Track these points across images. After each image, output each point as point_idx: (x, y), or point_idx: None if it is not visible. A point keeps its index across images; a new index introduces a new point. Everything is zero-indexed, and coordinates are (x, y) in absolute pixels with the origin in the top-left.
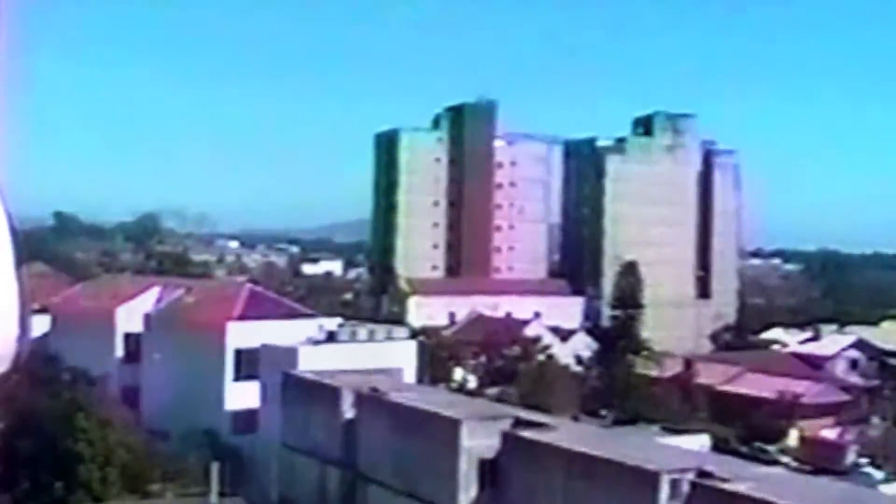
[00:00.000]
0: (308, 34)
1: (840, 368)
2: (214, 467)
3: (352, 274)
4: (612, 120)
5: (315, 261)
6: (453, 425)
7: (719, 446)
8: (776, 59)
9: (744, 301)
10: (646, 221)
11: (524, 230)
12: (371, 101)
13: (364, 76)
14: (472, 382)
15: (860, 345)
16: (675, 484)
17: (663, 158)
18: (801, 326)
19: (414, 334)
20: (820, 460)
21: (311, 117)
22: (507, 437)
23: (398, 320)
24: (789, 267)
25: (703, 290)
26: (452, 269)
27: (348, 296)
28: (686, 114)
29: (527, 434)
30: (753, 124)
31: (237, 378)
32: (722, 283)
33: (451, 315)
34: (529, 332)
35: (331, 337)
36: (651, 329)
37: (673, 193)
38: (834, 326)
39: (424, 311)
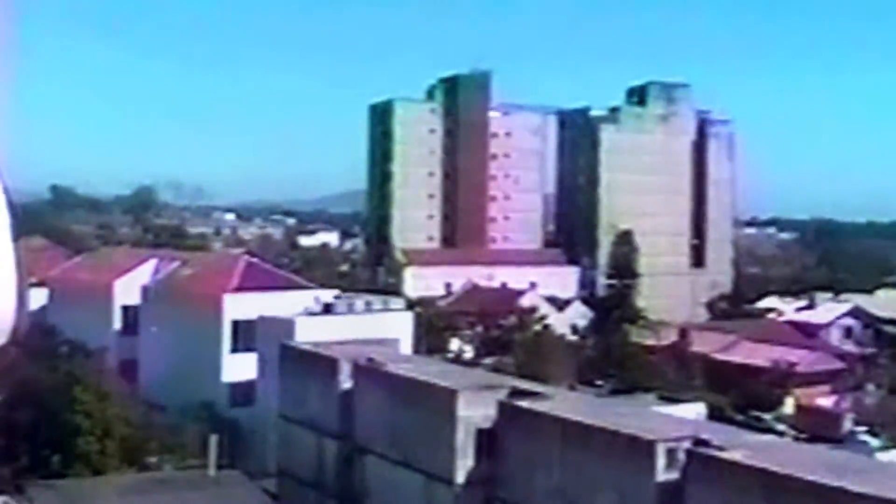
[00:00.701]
0: (300, 6)
1: (835, 336)
2: (212, 439)
3: (348, 245)
4: (607, 89)
5: (311, 233)
6: (450, 395)
7: (715, 415)
8: (771, 29)
9: (739, 270)
10: (640, 191)
11: (519, 200)
12: (365, 72)
13: (357, 48)
14: (469, 353)
15: (855, 313)
16: (671, 452)
17: (657, 128)
18: (796, 295)
19: (410, 305)
20: (816, 428)
21: (304, 90)
22: (503, 407)
23: (394, 291)
24: (784, 236)
25: (698, 260)
26: (448, 240)
27: (345, 267)
28: (680, 83)
29: (523, 404)
30: (748, 93)
31: (234, 350)
32: (717, 252)
33: (447, 285)
34: (525, 301)
35: (327, 308)
36: (646, 298)
37: (667, 163)
38: (829, 295)
39: (420, 282)
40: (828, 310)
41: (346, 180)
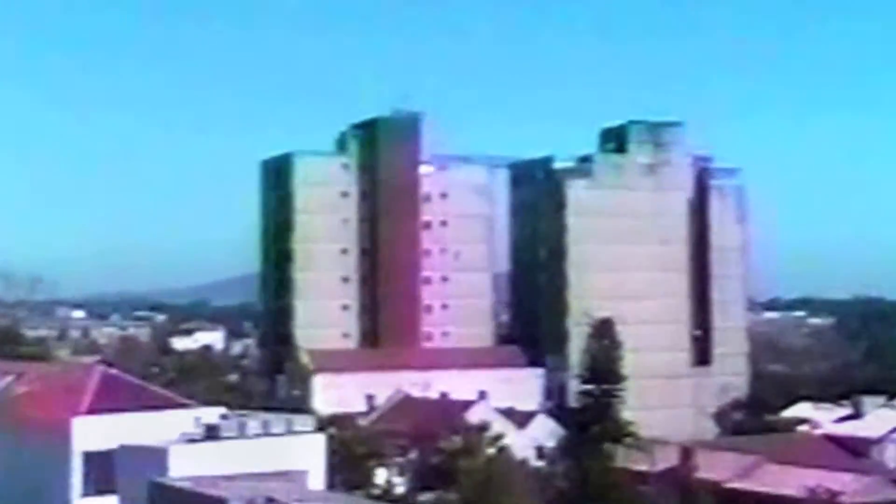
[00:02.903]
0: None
1: (890, 455)
2: None
3: (237, 347)
4: (574, 134)
5: (188, 332)
6: None
7: None
8: (784, 62)
9: (758, 368)
10: (622, 265)
11: (462, 283)
12: (257, 121)
13: (249, 96)
14: (401, 486)
15: None
16: None
17: (643, 181)
18: (836, 400)
19: (321, 425)
20: None
21: (180, 149)
22: None
23: (300, 407)
24: (817, 321)
25: (703, 356)
26: (369, 338)
27: (234, 377)
28: (670, 122)
29: None
30: (755, 140)
31: (87, 492)
32: (727, 345)
33: (370, 398)
34: (473, 417)
35: (212, 432)
36: (635, 408)
37: (657, 228)
38: (880, 399)
39: (334, 394)
40: (880, 419)
41: (233, 263)
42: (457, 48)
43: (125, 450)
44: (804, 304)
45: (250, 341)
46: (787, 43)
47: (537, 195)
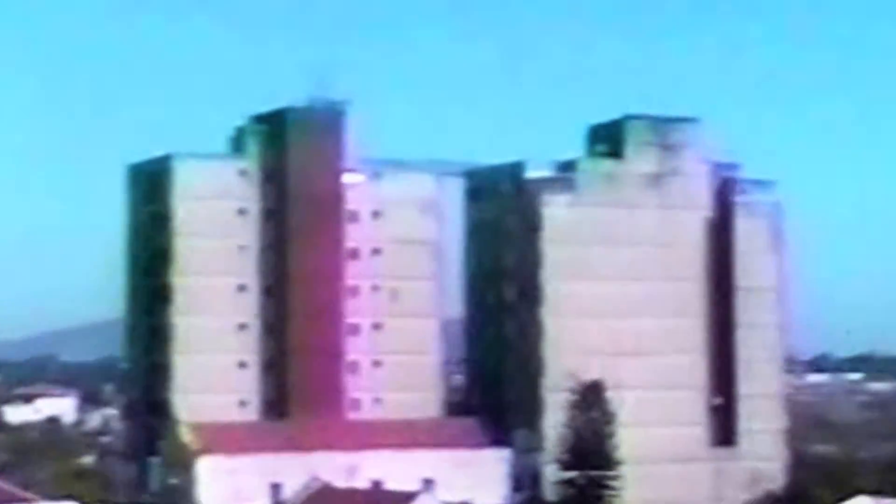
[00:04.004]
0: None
1: None
2: None
3: (94, 420)
4: (548, 136)
5: (28, 399)
6: None
7: None
8: (834, 44)
9: (799, 449)
10: (617, 310)
11: (401, 332)
12: (129, 128)
13: (112, 77)
14: None
15: None
16: None
17: (645, 196)
18: None
19: None
20: None
21: (26, 153)
22: None
23: (179, 501)
24: (878, 386)
25: (725, 432)
26: (275, 407)
27: (89, 459)
28: (682, 117)
29: None
30: (797, 145)
31: None
32: (757, 417)
33: (276, 489)
34: None
35: None
36: (636, 502)
37: (664, 259)
38: None
39: (227, 484)
40: None
41: (89, 305)
42: (396, 26)
43: None
44: (862, 363)
45: (112, 411)
46: (829, 21)
47: (503, 214)
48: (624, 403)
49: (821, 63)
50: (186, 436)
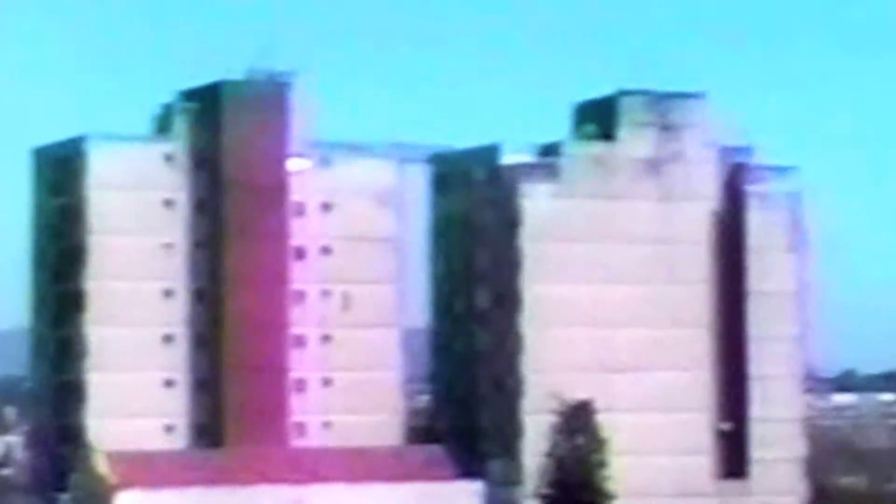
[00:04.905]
0: None
1: None
2: None
3: None
4: (528, 116)
5: None
6: None
7: None
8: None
9: (821, 482)
10: (609, 319)
11: (354, 344)
12: (39, 104)
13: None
14: None
15: None
16: None
17: (642, 185)
18: None
19: None
20: None
21: None
22: None
23: None
24: None
25: (735, 462)
26: (206, 433)
27: None
28: (685, 93)
29: None
30: (819, 125)
31: None
32: (771, 445)
33: None
34: None
35: None
36: None
37: (664, 258)
38: None
39: None
40: None
41: None
42: None
43: None
44: (894, 381)
45: (14, 438)
46: None
47: (475, 207)
48: (617, 428)
49: (849, 25)
50: (102, 467)
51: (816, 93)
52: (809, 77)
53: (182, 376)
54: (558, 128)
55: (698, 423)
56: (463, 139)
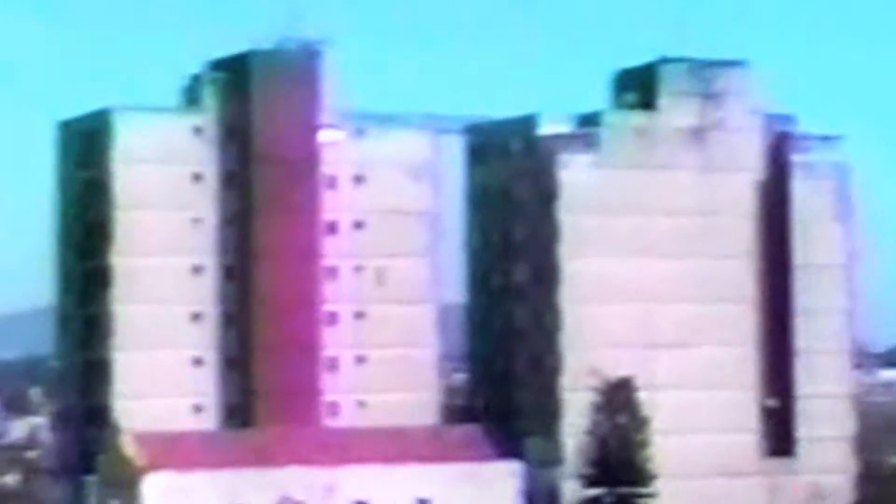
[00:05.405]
0: None
1: None
2: None
3: (18, 429)
4: (566, 85)
5: None
6: None
7: None
8: None
9: (871, 460)
10: (650, 293)
11: (389, 321)
12: (65, 76)
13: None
14: None
15: None
16: None
17: (683, 156)
18: None
19: None
20: None
21: None
22: None
23: None
24: None
25: (781, 440)
26: (237, 413)
27: (12, 478)
28: (728, 60)
29: None
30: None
31: None
32: (819, 422)
33: None
34: None
35: None
36: None
37: (707, 231)
38: None
39: None
40: None
41: (12, 291)
42: None
43: None
44: None
45: (39, 420)
46: None
47: (512, 178)
48: (658, 406)
49: None
50: (130, 449)
51: (863, 59)
52: (855, 43)
53: (211, 355)
54: (597, 97)
55: (743, 400)
56: (500, 109)
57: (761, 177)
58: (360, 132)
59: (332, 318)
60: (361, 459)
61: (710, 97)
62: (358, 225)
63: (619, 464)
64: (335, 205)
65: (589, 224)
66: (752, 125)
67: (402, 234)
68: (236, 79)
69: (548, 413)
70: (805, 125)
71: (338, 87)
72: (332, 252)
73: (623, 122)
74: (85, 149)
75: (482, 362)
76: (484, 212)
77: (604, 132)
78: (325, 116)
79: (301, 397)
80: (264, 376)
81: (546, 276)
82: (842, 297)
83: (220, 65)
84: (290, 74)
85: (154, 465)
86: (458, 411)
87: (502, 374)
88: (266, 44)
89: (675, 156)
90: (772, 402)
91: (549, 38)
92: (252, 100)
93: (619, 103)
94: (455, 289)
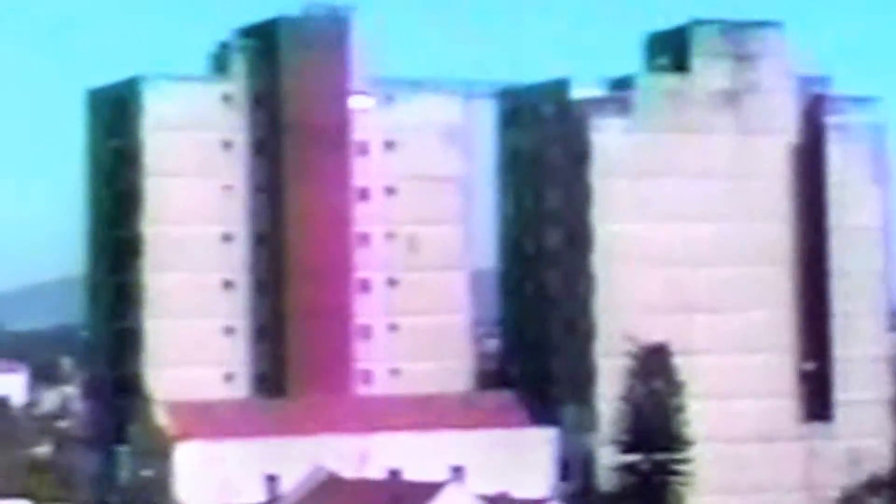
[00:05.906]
0: None
1: None
2: None
3: (49, 400)
4: (599, 48)
5: None
6: None
7: None
8: None
9: None
10: (684, 258)
11: (421, 288)
12: (94, 45)
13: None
14: None
15: None
16: None
17: (717, 119)
18: None
19: None
20: None
21: None
22: None
23: (154, 500)
24: None
25: (819, 404)
26: (269, 382)
27: (44, 448)
28: (762, 21)
29: None
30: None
31: None
32: (857, 386)
33: (272, 481)
34: None
35: None
36: (712, 492)
37: (741, 194)
38: None
39: (211, 476)
40: None
41: (41, 261)
42: None
43: None
44: None
45: (70, 389)
46: None
47: (544, 143)
48: (695, 371)
49: None
50: (161, 418)
51: None
52: (891, 3)
53: (243, 323)
54: (630, 60)
55: (780, 364)
56: (531, 74)
57: (796, 139)
58: (390, 98)
59: (365, 286)
60: (394, 427)
61: (743, 59)
62: (389, 191)
63: (655, 430)
64: (366, 171)
65: (622, 188)
66: (786, 87)
67: (434, 200)
68: (265, 46)
69: (582, 379)
70: (840, 87)
71: (367, 54)
72: (363, 219)
73: (656, 86)
74: (114, 117)
75: (515, 328)
76: (516, 177)
77: (636, 96)
78: (354, 83)
79: (333, 365)
80: (296, 344)
81: (579, 240)
82: (877, 258)
83: (248, 32)
84: (318, 41)
85: (186, 434)
86: (491, 377)
87: (536, 339)
88: (294, 10)
89: (708, 119)
90: (808, 366)
91: (581, 1)
92: (281, 67)
93: (652, 66)
94: (487, 255)
